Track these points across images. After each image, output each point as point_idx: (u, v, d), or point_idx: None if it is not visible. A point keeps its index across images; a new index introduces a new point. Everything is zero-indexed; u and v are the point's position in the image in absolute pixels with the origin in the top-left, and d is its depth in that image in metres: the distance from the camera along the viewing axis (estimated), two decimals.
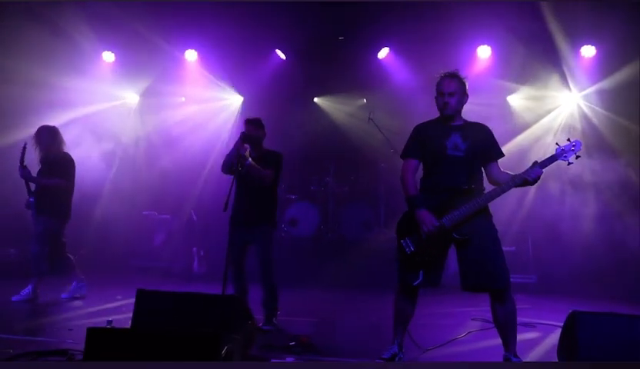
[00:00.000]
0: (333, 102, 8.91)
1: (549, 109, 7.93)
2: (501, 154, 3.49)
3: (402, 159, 3.54)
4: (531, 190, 7.11)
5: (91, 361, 2.41)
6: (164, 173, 8.63)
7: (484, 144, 3.43)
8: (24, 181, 5.34)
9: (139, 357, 2.35)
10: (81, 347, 2.61)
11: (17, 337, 3.83)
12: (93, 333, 2.46)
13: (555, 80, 7.57)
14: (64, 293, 5.46)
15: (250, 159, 4.32)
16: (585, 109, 7.62)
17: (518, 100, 8.07)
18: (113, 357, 2.36)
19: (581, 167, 6.88)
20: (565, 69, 7.40)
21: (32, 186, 5.39)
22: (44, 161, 5.41)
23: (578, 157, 3.25)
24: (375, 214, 7.81)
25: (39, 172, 5.39)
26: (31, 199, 5.28)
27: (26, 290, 5.26)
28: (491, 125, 3.54)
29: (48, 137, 5.43)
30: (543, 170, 3.22)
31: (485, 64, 7.65)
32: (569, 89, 7.64)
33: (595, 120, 7.52)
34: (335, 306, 5.68)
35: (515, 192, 6.72)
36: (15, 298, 5.20)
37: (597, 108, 7.48)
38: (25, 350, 3.32)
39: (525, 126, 7.87)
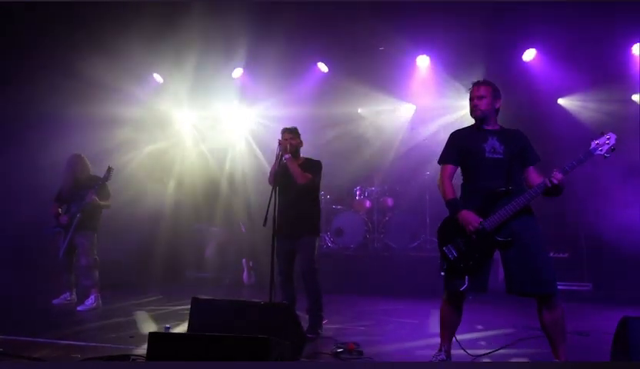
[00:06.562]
0: (377, 112, 8.95)
1: None
2: (538, 159, 3.46)
3: (440, 165, 3.57)
4: (587, 195, 6.88)
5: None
6: (213, 186, 8.98)
7: (521, 148, 3.42)
8: (74, 199, 5.74)
9: (195, 359, 2.53)
10: (143, 351, 2.82)
11: (84, 343, 4.08)
12: (154, 337, 2.66)
13: None
14: (79, 305, 5.65)
15: (289, 155, 4.41)
16: None
17: None
18: (172, 358, 2.55)
19: None
20: None
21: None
22: (77, 185, 5.81)
23: (613, 150, 3.17)
24: (420, 222, 7.79)
25: (75, 194, 5.76)
26: (79, 215, 5.66)
27: (89, 301, 5.63)
28: None
29: (81, 164, 5.94)
30: (563, 176, 3.10)
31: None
32: None
33: None
34: (381, 314, 5.72)
35: (570, 198, 6.61)
36: (80, 308, 5.56)
37: None
38: (91, 355, 3.56)
39: None
